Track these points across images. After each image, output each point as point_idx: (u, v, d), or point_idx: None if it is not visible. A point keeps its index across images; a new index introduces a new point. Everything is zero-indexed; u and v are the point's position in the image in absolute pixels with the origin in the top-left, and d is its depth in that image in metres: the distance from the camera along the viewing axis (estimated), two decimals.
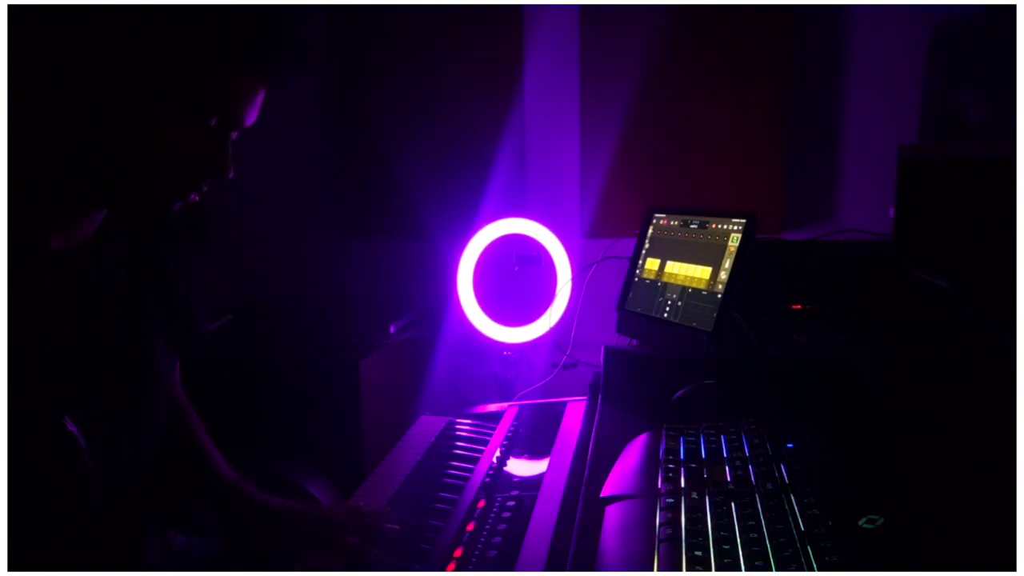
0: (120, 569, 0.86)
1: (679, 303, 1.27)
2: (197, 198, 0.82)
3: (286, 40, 0.79)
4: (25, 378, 0.75)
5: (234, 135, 0.82)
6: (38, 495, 0.77)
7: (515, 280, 2.00)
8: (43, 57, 0.72)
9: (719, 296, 1.21)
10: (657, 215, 1.40)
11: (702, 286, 1.25)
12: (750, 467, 0.89)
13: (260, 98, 0.81)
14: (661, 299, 1.31)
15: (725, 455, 0.93)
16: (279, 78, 0.81)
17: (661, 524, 0.79)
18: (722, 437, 0.98)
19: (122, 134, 0.75)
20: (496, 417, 1.33)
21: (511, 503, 0.98)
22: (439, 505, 1.02)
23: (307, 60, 0.81)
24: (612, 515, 0.86)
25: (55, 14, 0.71)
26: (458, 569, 0.86)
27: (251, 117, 0.82)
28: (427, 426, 1.32)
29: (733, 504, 0.81)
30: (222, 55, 0.76)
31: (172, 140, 0.76)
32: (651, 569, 0.73)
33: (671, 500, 0.83)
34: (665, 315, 1.29)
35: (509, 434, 1.22)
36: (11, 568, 0.69)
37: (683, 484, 0.87)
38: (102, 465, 0.83)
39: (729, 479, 0.87)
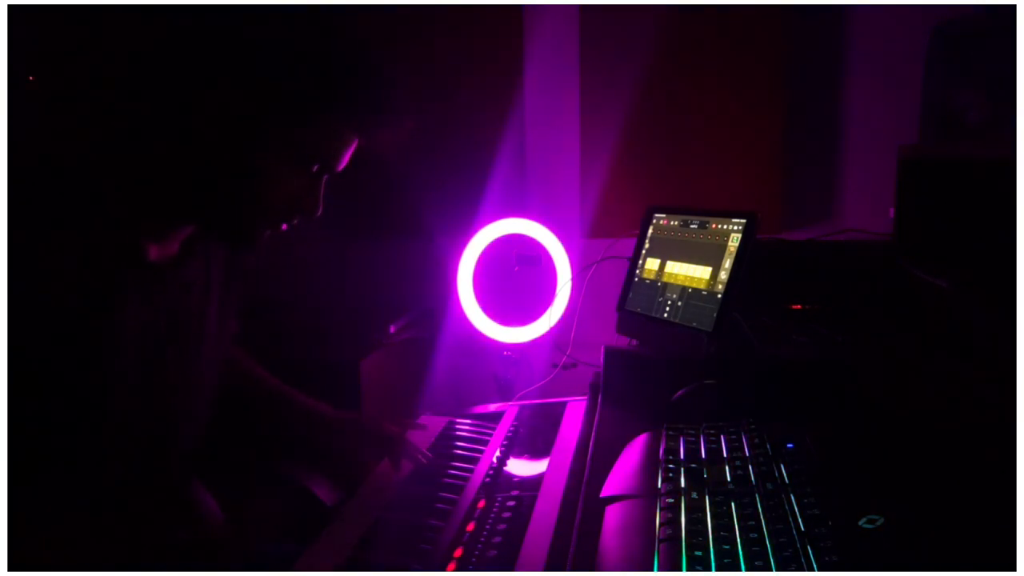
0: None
1: (679, 303, 1.27)
2: (286, 227, 0.90)
3: (390, 106, 0.87)
4: (108, 373, 0.82)
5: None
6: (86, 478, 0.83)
7: (515, 280, 2.00)
8: (167, 110, 0.79)
9: (719, 296, 1.21)
10: (657, 215, 1.40)
11: (702, 286, 1.25)
12: (750, 467, 0.89)
13: (353, 146, 0.89)
14: (661, 299, 1.31)
15: (725, 455, 0.93)
16: (377, 134, 0.89)
17: (661, 524, 0.79)
18: (722, 437, 0.98)
19: (236, 178, 0.82)
20: (496, 417, 1.33)
21: (511, 503, 0.98)
22: (439, 505, 1.02)
23: (405, 117, 0.89)
24: (612, 515, 0.86)
25: (178, 74, 0.77)
26: (458, 569, 0.86)
27: (343, 163, 0.89)
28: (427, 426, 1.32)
29: (733, 504, 0.81)
30: (341, 121, 0.84)
31: (278, 185, 0.84)
32: (651, 569, 0.73)
33: (671, 500, 0.83)
34: (665, 315, 1.29)
35: (509, 434, 1.22)
36: (11, 568, 0.70)
37: (683, 484, 0.87)
38: (154, 448, 0.92)
39: (729, 479, 0.87)
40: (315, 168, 0.86)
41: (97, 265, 0.80)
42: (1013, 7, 1.32)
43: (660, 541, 0.76)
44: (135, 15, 0.77)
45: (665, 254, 1.35)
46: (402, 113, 0.89)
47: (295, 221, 0.90)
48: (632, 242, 1.43)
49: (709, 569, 0.71)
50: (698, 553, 0.73)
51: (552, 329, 1.87)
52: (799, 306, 1.46)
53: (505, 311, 1.93)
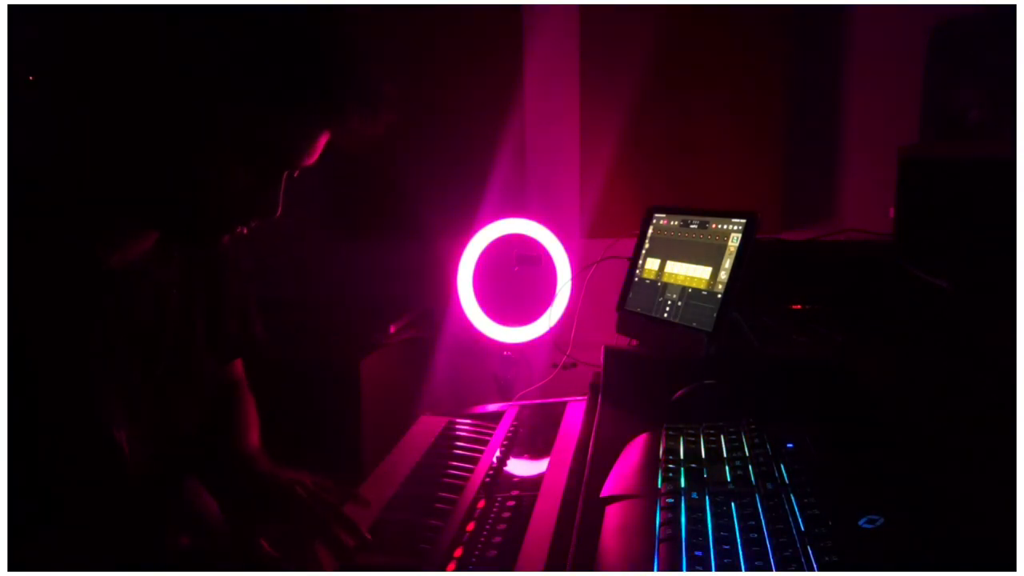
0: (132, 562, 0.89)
1: (679, 303, 1.27)
2: (245, 231, 0.82)
3: (355, 91, 0.76)
4: (78, 388, 0.80)
5: (295, 173, 0.82)
6: (69, 497, 0.81)
7: (515, 280, 2.00)
8: (109, 108, 0.73)
9: (719, 296, 1.21)
10: (657, 215, 1.40)
11: (702, 286, 1.25)
12: (750, 467, 0.89)
13: (323, 141, 0.79)
14: (661, 299, 1.31)
15: (725, 455, 0.93)
16: (345, 126, 0.79)
17: (661, 524, 0.79)
18: (722, 437, 0.98)
19: (175, 174, 0.75)
20: (496, 417, 1.33)
21: (511, 503, 0.98)
22: (439, 505, 1.02)
23: (378, 110, 0.78)
24: (612, 515, 0.86)
25: (124, 68, 0.71)
26: (458, 569, 0.86)
27: (312, 159, 0.80)
28: (427, 426, 1.32)
29: (733, 504, 0.81)
30: (284, 105, 0.74)
31: (223, 181, 0.76)
32: (651, 569, 0.73)
33: (671, 500, 0.83)
34: (665, 315, 1.29)
35: (509, 434, 1.22)
36: (11, 568, 0.70)
37: (683, 484, 0.87)
38: (137, 469, 0.88)
39: (729, 479, 0.87)
40: (268, 165, 0.78)
41: (55, 274, 0.77)
42: (1013, 7, 1.32)
43: (660, 541, 0.76)
44: (74, 9, 0.71)
45: (665, 254, 1.35)
46: (376, 107, 0.78)
47: (253, 223, 0.82)
48: (632, 242, 1.43)
49: (709, 569, 0.71)
50: (698, 553, 0.73)
51: (552, 329, 1.87)
52: (799, 306, 1.46)
53: (505, 311, 1.93)
